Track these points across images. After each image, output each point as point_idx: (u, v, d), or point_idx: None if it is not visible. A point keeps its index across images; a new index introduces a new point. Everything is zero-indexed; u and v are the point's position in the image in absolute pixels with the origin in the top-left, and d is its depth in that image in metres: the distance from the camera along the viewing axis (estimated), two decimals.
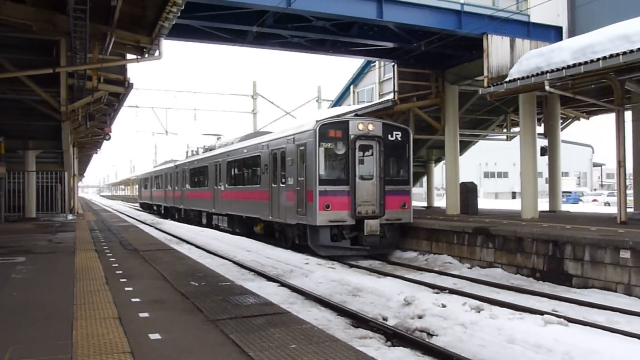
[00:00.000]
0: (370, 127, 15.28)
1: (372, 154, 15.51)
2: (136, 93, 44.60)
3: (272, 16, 18.25)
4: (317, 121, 15.31)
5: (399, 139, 15.86)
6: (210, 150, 28.09)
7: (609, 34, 13.34)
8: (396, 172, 16.11)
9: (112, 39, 14.61)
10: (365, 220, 14.76)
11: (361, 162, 15.31)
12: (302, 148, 15.35)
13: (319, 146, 14.69)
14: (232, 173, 22.44)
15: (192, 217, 29.04)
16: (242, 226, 21.16)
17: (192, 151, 33.05)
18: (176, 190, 32.64)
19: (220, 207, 23.27)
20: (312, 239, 15.09)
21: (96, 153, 50.16)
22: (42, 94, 18.51)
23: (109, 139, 25.44)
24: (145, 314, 5.51)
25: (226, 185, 22.68)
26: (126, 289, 6.90)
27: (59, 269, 8.68)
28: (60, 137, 21.26)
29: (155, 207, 42.43)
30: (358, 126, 15.17)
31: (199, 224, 26.52)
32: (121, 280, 7.56)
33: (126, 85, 20.03)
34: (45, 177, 22.19)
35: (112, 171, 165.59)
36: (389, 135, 15.60)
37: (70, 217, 22.56)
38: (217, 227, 23.98)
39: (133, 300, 6.21)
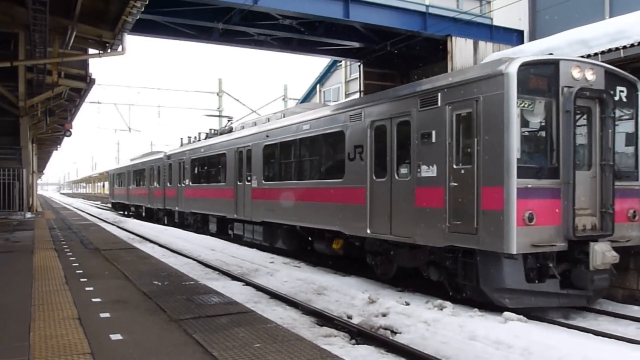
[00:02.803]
0: (589, 74, 8.70)
1: (583, 123, 9.00)
2: (98, 89, 43.79)
3: (238, 13, 18.17)
4: (505, 59, 8.54)
5: (624, 99, 9.30)
6: (223, 134, 20.45)
7: (568, 39, 13.78)
8: (619, 157, 9.35)
9: (74, 33, 14.31)
10: (592, 245, 8.26)
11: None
12: (465, 111, 8.63)
13: (517, 105, 8.05)
14: (278, 162, 15.06)
15: (192, 223, 22.35)
16: (291, 240, 14.44)
17: (189, 138, 25.38)
18: (168, 187, 25.32)
19: (252, 212, 15.99)
20: (489, 278, 8.41)
21: (56, 150, 49.17)
22: None
23: (69, 136, 24.88)
24: (107, 314, 5.42)
25: (263, 181, 15.44)
26: (87, 289, 6.76)
27: (16, 269, 8.44)
28: (18, 132, 20.66)
29: (133, 209, 34.80)
30: (572, 72, 8.54)
31: (201, 231, 20.88)
32: (82, 280, 7.41)
33: (88, 81, 19.64)
34: (2, 174, 21.50)
35: (73, 168, 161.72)
36: (612, 92, 9.02)
37: (28, 215, 21.94)
38: (237, 238, 17.60)
39: (94, 300, 6.10)
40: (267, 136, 15.35)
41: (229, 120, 23.43)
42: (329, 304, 9.10)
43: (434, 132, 9.20)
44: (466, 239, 8.50)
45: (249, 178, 16.39)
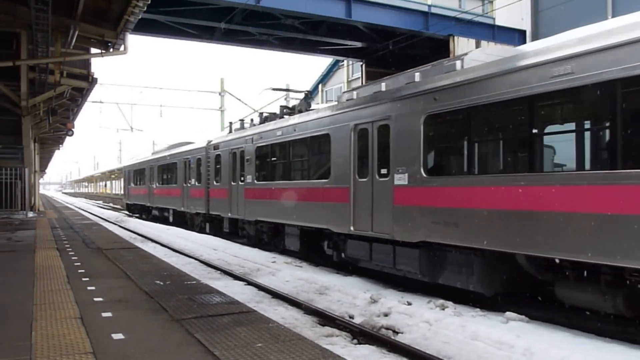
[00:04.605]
0: None
1: None
2: (100, 88, 43.78)
3: (240, 13, 18.19)
4: None
5: None
6: (305, 111, 14.62)
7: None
8: None
9: (76, 32, 14.33)
10: None
11: None
12: None
13: None
14: (464, 143, 8.73)
15: (251, 234, 16.41)
16: (500, 278, 8.42)
17: (241, 121, 18.94)
18: (215, 186, 19.40)
19: (394, 227, 9.77)
20: None
21: (58, 149, 49.25)
22: (2, 87, 18.01)
23: (71, 135, 24.84)
24: (108, 314, 5.42)
25: (424, 175, 9.17)
26: (89, 288, 6.77)
27: (18, 268, 8.45)
28: (20, 132, 20.71)
29: (156, 212, 28.80)
30: None
31: (266, 247, 15.62)
32: (83, 279, 7.41)
33: (90, 80, 19.66)
34: (4, 174, 21.54)
35: (75, 168, 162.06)
36: None
37: (30, 214, 21.97)
38: (348, 263, 11.90)
39: (96, 299, 6.09)
40: (435, 99, 8.93)
41: (305, 94, 16.92)
42: (331, 303, 9.09)
43: None
44: None
45: (384, 171, 10.18)
